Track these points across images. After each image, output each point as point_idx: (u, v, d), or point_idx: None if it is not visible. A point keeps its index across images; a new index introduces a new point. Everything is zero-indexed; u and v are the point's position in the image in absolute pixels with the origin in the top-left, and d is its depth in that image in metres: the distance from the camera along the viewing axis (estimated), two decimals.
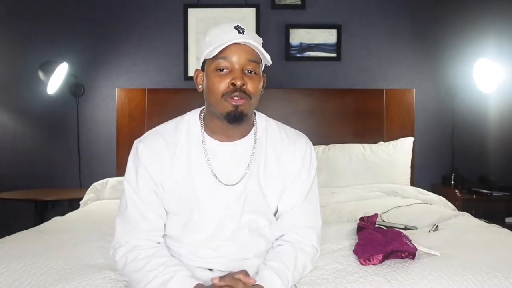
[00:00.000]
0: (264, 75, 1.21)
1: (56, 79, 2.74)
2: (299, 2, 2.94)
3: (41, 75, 2.73)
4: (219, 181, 1.18)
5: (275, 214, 1.26)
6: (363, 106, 2.88)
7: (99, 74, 2.96)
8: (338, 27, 2.93)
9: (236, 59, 1.11)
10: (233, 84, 1.10)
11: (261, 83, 1.18)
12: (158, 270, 1.09)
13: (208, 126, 1.21)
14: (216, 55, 1.11)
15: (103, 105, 2.96)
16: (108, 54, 2.95)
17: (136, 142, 1.21)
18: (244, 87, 1.11)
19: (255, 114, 1.27)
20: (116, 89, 2.88)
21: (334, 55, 2.95)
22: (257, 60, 1.14)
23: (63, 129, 2.94)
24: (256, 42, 1.13)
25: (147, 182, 1.17)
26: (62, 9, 2.93)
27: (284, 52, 2.95)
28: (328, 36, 2.94)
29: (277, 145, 1.24)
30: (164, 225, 1.22)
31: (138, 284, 1.10)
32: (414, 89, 2.91)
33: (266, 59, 1.15)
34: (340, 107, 2.88)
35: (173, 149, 1.19)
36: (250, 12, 2.92)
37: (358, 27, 2.97)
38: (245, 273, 1.08)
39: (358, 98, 2.88)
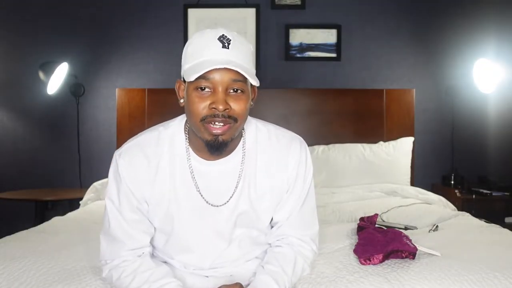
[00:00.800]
0: (254, 86, 1.08)
1: (56, 79, 2.74)
2: (299, 2, 2.93)
3: (41, 75, 2.73)
4: (206, 202, 1.10)
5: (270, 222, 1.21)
6: (363, 106, 2.88)
7: (99, 74, 2.96)
8: (338, 27, 2.93)
9: (219, 79, 0.97)
10: (215, 108, 0.98)
11: (250, 100, 1.04)
12: None
13: (193, 142, 1.10)
14: None
15: (103, 105, 2.96)
16: (108, 54, 2.95)
17: (115, 155, 1.11)
18: (227, 111, 0.98)
19: None
20: (116, 89, 2.88)
21: (334, 55, 2.95)
22: (244, 79, 0.99)
23: (63, 129, 2.94)
24: (242, 55, 1.00)
25: (129, 200, 1.09)
26: (62, 9, 2.93)
27: (284, 52, 2.95)
28: (328, 36, 2.94)
29: (269, 155, 1.13)
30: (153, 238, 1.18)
31: None
32: (414, 89, 2.91)
33: (253, 79, 1.00)
34: (340, 107, 2.88)
35: (155, 164, 1.09)
36: (250, 12, 2.91)
37: (358, 27, 2.97)
38: (239, 286, 1.04)
39: (358, 98, 2.88)
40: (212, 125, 0.99)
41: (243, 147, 1.12)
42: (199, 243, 1.14)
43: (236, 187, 1.11)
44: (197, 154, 1.10)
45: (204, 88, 0.99)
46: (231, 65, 0.96)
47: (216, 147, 1.02)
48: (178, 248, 1.16)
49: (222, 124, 0.99)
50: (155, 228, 1.15)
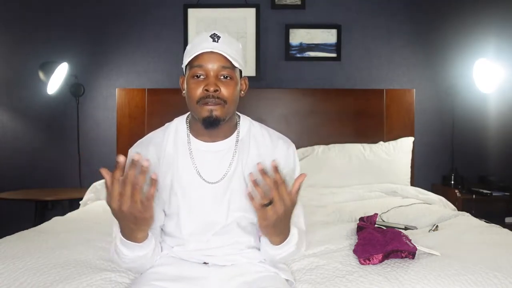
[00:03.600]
0: (245, 77, 1.27)
1: (56, 79, 2.74)
2: (299, 2, 2.94)
3: (41, 75, 2.74)
4: (203, 179, 1.23)
5: None
6: (363, 106, 2.88)
7: (99, 74, 2.96)
8: (338, 27, 2.93)
9: (210, 66, 1.17)
10: (207, 90, 1.16)
11: (238, 87, 1.22)
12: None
13: (193, 129, 1.27)
14: (193, 63, 1.17)
15: (103, 105, 2.96)
16: (108, 54, 2.95)
17: (129, 150, 1.28)
18: (217, 93, 1.16)
19: (239, 116, 1.32)
20: (116, 89, 2.88)
21: (334, 55, 2.95)
22: (232, 66, 1.18)
23: (63, 129, 2.95)
24: (230, 48, 1.17)
25: None
26: (62, 9, 2.93)
27: (284, 52, 2.95)
28: (328, 36, 2.94)
29: (260, 145, 1.28)
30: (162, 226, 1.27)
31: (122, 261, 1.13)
32: (414, 89, 2.91)
33: (238, 65, 1.19)
34: (340, 107, 2.88)
35: (161, 152, 1.25)
36: (250, 12, 2.92)
37: (358, 27, 2.97)
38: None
39: (358, 98, 2.88)
40: (206, 105, 1.17)
41: (237, 135, 1.28)
42: (200, 218, 1.22)
43: (230, 166, 1.24)
44: (196, 138, 1.26)
45: (199, 75, 1.18)
46: (216, 50, 1.15)
47: (211, 123, 1.18)
48: (183, 224, 1.22)
49: (214, 103, 1.17)
50: (164, 214, 1.25)
